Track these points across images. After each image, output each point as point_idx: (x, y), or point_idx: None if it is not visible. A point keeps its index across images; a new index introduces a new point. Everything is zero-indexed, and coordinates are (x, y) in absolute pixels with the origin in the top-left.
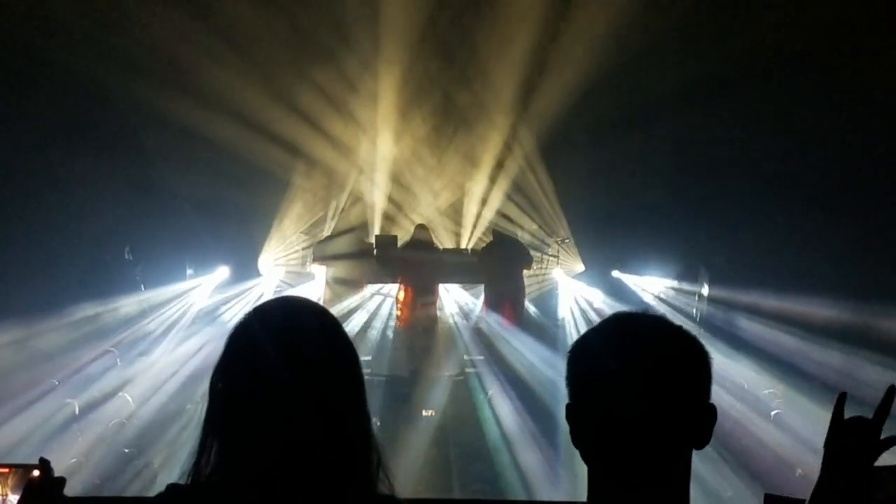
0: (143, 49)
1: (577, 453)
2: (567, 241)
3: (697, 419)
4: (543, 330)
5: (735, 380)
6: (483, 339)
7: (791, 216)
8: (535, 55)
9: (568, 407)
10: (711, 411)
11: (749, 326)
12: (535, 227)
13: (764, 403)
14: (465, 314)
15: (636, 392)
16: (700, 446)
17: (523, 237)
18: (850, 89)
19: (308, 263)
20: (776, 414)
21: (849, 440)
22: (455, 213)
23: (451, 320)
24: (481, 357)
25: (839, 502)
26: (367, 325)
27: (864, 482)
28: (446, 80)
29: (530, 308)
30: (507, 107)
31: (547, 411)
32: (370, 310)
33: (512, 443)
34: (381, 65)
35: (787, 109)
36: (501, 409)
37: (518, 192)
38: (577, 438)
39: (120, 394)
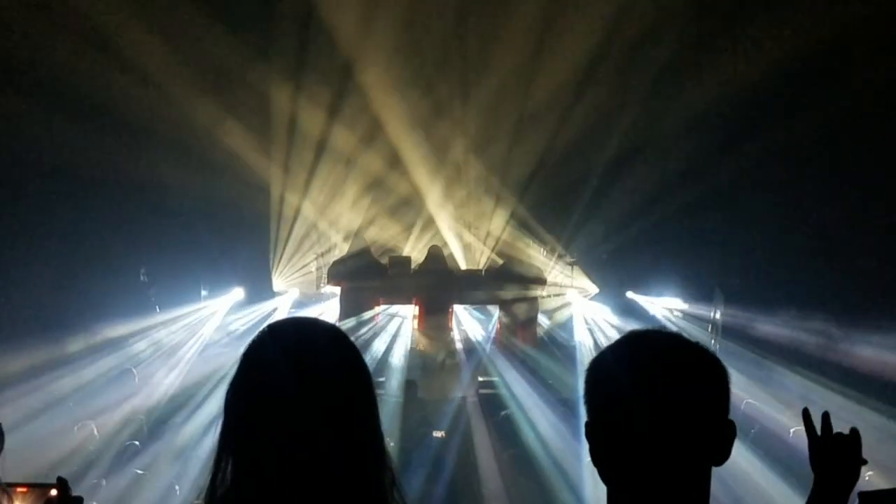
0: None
1: (596, 475)
2: (577, 263)
3: (716, 435)
4: (558, 350)
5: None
6: (497, 360)
7: (807, 237)
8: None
9: (587, 425)
10: (730, 427)
11: (765, 347)
12: (549, 248)
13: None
14: (479, 335)
15: (654, 408)
16: (719, 462)
17: (537, 258)
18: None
19: (323, 284)
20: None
21: (835, 458)
22: (469, 235)
23: (464, 341)
24: (495, 378)
25: None
26: (380, 346)
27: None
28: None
29: (545, 329)
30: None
31: (563, 433)
32: (384, 330)
33: (527, 464)
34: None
35: (802, 131)
36: (515, 430)
37: (534, 214)
38: (597, 457)
39: (135, 416)
